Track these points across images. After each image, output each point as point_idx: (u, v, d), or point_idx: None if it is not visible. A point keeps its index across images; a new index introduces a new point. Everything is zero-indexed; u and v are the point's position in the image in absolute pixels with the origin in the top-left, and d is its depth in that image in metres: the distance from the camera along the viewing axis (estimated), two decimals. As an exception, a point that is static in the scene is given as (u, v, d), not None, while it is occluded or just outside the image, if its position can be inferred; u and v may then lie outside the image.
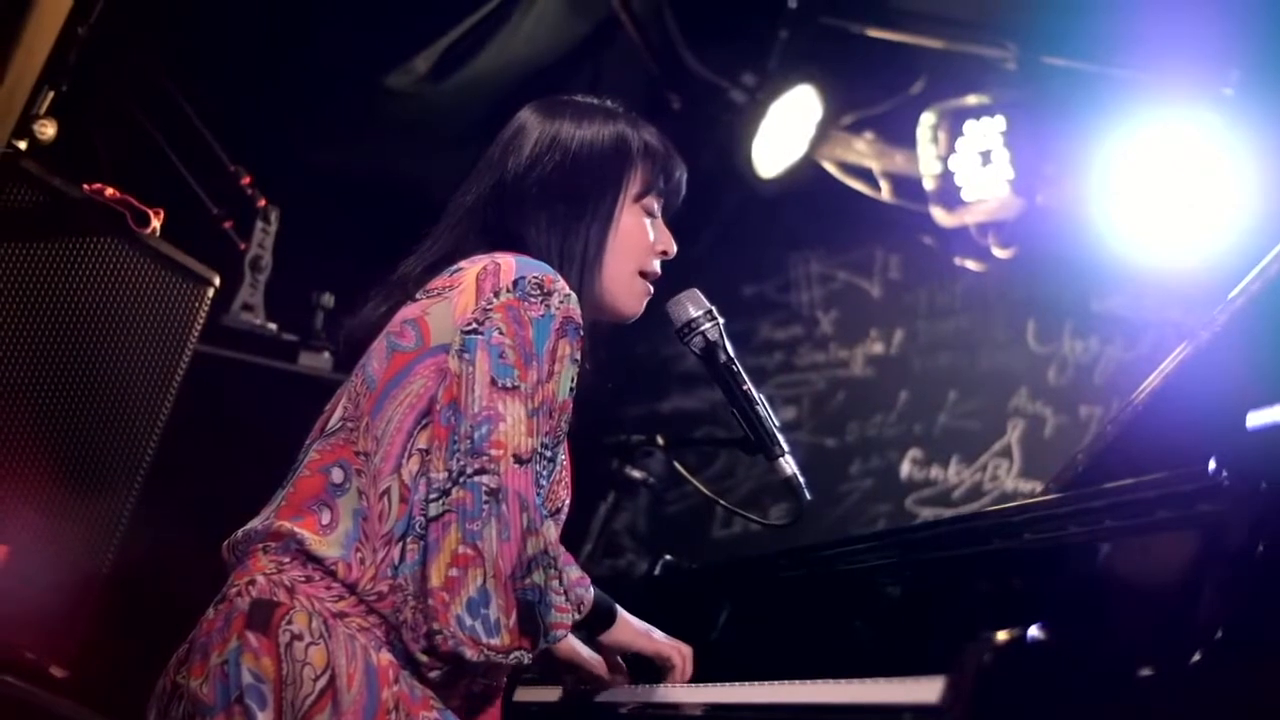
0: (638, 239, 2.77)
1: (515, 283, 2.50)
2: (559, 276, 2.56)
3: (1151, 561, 2.10)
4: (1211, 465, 2.03)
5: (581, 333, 2.55)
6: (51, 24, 3.67)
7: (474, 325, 2.47)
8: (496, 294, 2.49)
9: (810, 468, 6.24)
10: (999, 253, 5.96)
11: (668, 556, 3.58)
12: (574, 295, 2.55)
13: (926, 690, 1.90)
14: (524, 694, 3.06)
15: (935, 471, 6.19)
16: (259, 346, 4.91)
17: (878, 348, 6.55)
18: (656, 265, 2.82)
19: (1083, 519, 2.25)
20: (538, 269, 2.55)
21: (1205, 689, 1.81)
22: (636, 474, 4.23)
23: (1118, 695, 1.83)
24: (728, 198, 6.60)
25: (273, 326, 4.99)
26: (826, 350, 6.68)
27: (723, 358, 2.91)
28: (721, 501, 3.31)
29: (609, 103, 2.86)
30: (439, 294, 2.58)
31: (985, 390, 6.21)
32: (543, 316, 2.49)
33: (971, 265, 6.16)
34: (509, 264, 2.54)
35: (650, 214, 2.80)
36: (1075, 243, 5.73)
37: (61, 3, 3.69)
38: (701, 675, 2.80)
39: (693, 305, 2.91)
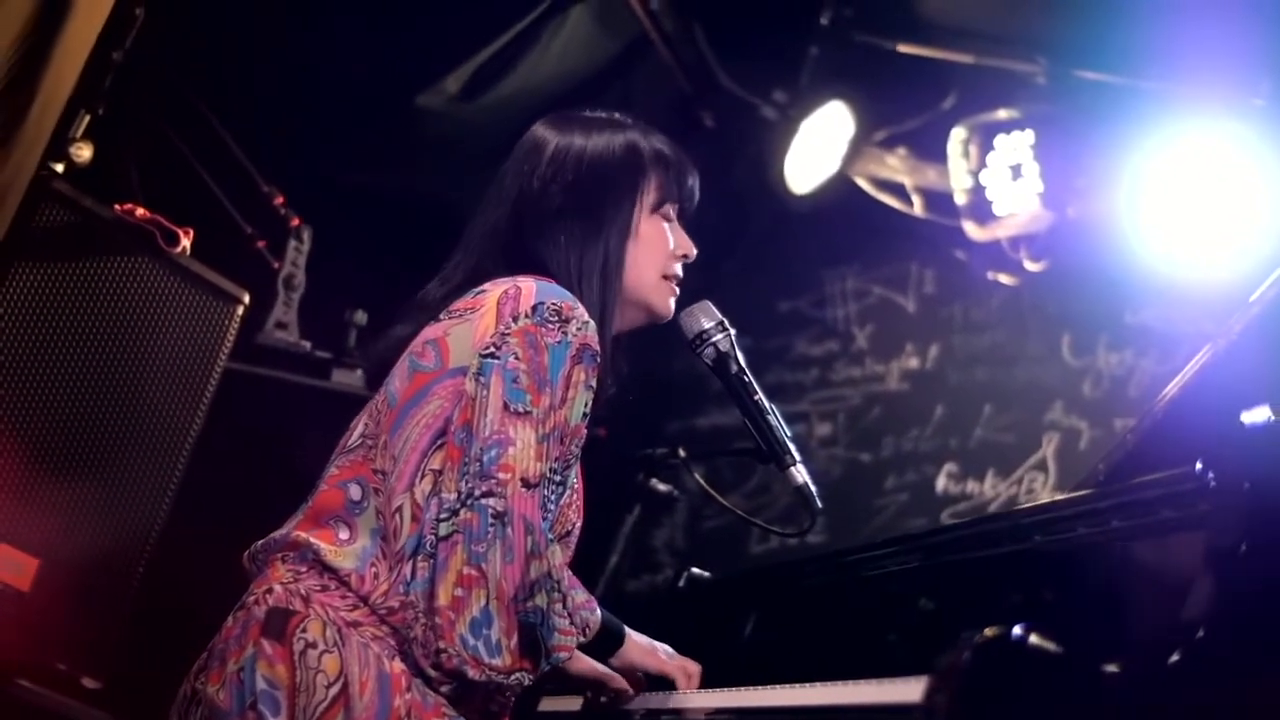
0: (658, 246, 2.82)
1: (534, 308, 2.55)
2: (578, 303, 2.60)
3: (1140, 562, 2.11)
4: (1198, 466, 2.05)
5: (598, 359, 2.60)
6: (80, 48, 3.74)
7: (491, 349, 2.52)
8: (515, 319, 2.54)
9: (846, 482, 6.33)
10: (1031, 266, 5.95)
11: (693, 569, 3.60)
12: (592, 323, 2.59)
13: (911, 690, 1.92)
14: (548, 704, 3.09)
15: (971, 485, 6.18)
16: (293, 364, 4.96)
17: (913, 362, 6.54)
18: (678, 269, 2.87)
19: (1072, 523, 2.28)
20: (557, 295, 2.59)
21: (1184, 688, 1.83)
22: (662, 487, 4.23)
23: (1099, 694, 1.84)
24: (762, 214, 6.62)
25: (306, 344, 5.04)
26: (862, 365, 6.68)
27: (734, 368, 2.96)
28: (738, 511, 3.35)
29: (617, 115, 2.90)
30: (461, 315, 2.63)
31: (1020, 404, 6.18)
32: (559, 343, 2.54)
33: (1004, 279, 6.15)
34: (529, 289, 2.59)
35: (668, 220, 2.84)
36: (1108, 256, 5.70)
37: (90, 28, 3.75)
38: (727, 683, 2.82)
39: (704, 317, 2.96)
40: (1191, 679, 1.84)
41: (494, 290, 2.62)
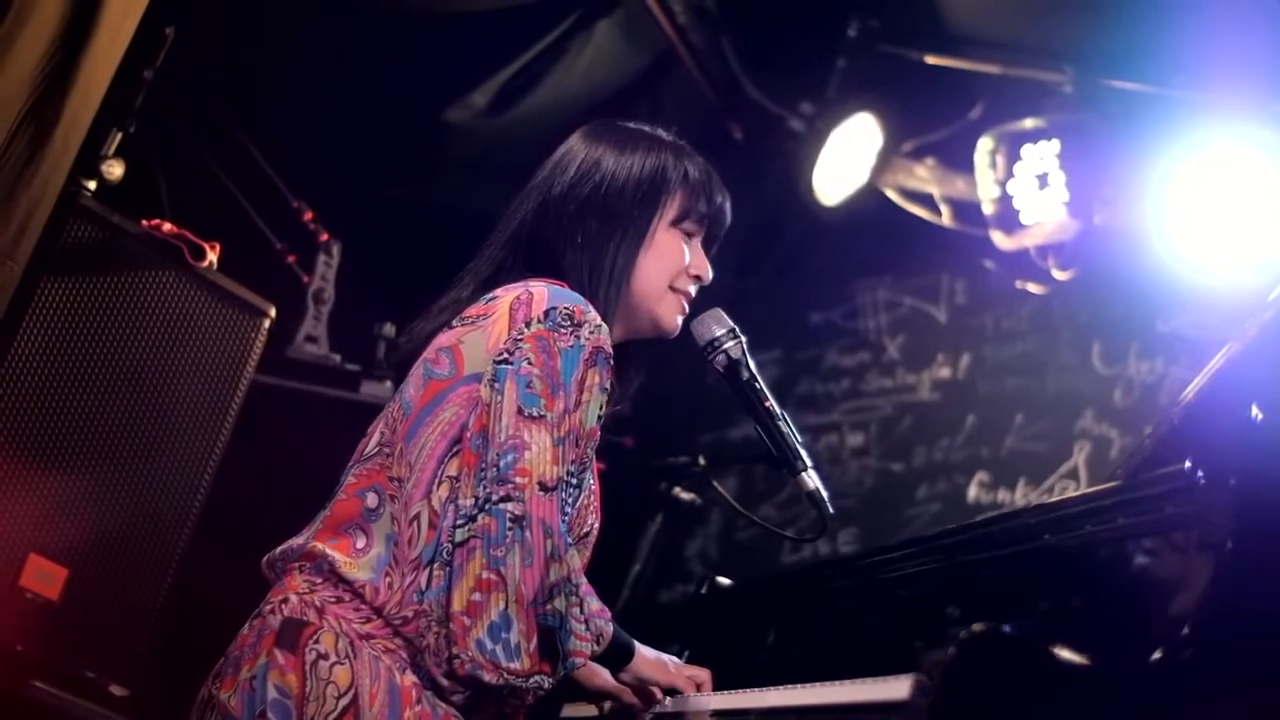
0: (671, 258, 2.83)
1: (547, 313, 2.58)
2: (590, 307, 2.62)
3: (1137, 560, 2.13)
4: (1187, 465, 2.06)
5: (611, 362, 2.61)
6: (106, 67, 3.77)
7: (505, 355, 2.55)
8: (528, 324, 2.57)
9: (878, 492, 6.32)
10: (1059, 275, 5.94)
11: (715, 576, 3.62)
12: (604, 326, 2.62)
13: (899, 688, 1.95)
14: (570, 710, 3.12)
15: (1003, 494, 6.16)
16: (323, 377, 5.02)
17: (944, 372, 6.53)
18: (690, 287, 2.88)
19: (1079, 521, 2.30)
20: (569, 300, 2.62)
21: (1168, 684, 1.84)
22: (685, 495, 4.27)
23: (1084, 689, 1.86)
24: (793, 226, 6.65)
25: (336, 357, 5.10)
26: (894, 376, 6.68)
27: (745, 375, 2.96)
28: (752, 516, 3.38)
29: (659, 130, 2.94)
30: (473, 322, 2.65)
31: (1052, 413, 6.16)
32: (572, 347, 2.56)
33: (1033, 288, 6.15)
34: (541, 294, 2.62)
35: (689, 237, 2.87)
36: (1138, 264, 5.69)
37: (116, 47, 3.78)
38: (749, 687, 2.84)
39: (716, 324, 2.97)
40: (1175, 675, 1.85)
41: (506, 296, 2.65)
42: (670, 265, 2.84)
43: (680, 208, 2.84)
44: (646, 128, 2.94)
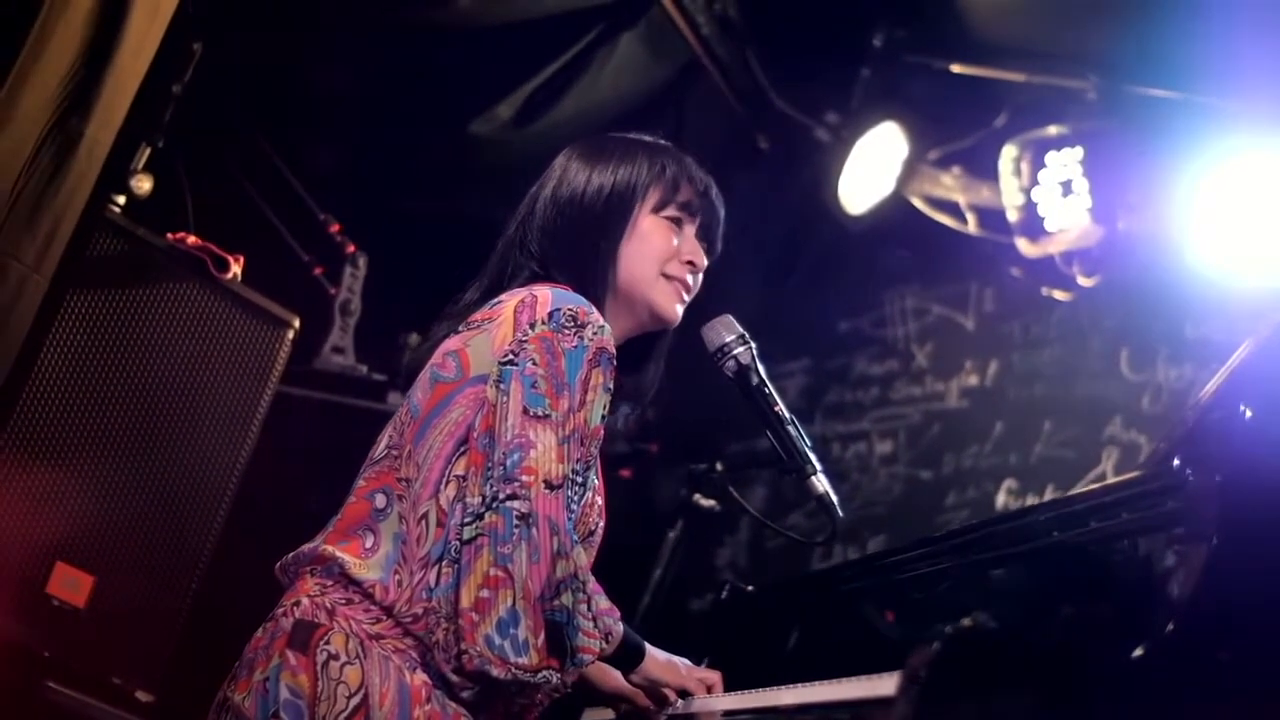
0: (656, 244, 2.85)
1: (550, 315, 2.61)
2: (593, 309, 2.66)
3: (1128, 557, 2.15)
4: (1175, 462, 2.08)
5: (615, 362, 2.65)
6: (130, 82, 3.81)
7: (510, 356, 2.59)
8: (532, 326, 2.61)
9: (907, 500, 6.30)
10: (1084, 281, 5.94)
11: (735, 582, 3.65)
12: (608, 327, 2.65)
13: (887, 685, 1.97)
14: (590, 715, 3.15)
15: (1031, 501, 6.15)
16: (349, 387, 5.07)
17: (973, 379, 6.53)
18: (685, 274, 2.88)
19: (1071, 522, 2.31)
20: (573, 301, 2.65)
21: (1150, 680, 1.86)
22: (705, 502, 4.27)
23: (1066, 685, 1.88)
24: (820, 235, 6.65)
25: (363, 368, 5.15)
26: (922, 383, 6.68)
27: (755, 380, 2.98)
28: (765, 520, 3.40)
29: (644, 137, 2.96)
30: (479, 326, 2.70)
31: (1080, 419, 6.14)
32: (576, 348, 2.59)
33: (1059, 295, 6.15)
34: (545, 297, 2.66)
35: (679, 225, 2.88)
36: (1165, 270, 5.67)
37: (139, 62, 3.83)
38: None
39: (725, 330, 2.99)
40: (1161, 670, 1.87)
41: (510, 300, 2.70)
42: (655, 251, 2.85)
43: (659, 197, 2.86)
44: (631, 135, 2.97)
